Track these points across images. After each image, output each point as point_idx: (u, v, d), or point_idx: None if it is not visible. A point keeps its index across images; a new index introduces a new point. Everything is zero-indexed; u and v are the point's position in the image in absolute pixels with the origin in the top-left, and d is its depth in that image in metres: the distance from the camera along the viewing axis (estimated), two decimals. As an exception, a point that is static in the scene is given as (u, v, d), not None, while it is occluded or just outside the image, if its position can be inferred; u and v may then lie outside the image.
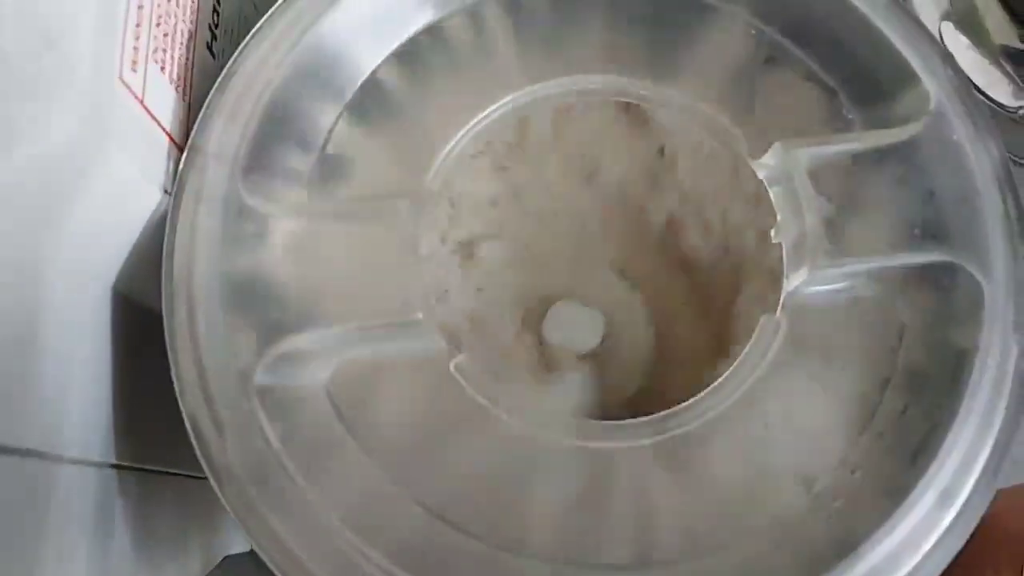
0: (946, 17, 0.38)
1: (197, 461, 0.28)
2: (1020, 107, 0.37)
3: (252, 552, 0.34)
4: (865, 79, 0.25)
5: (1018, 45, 0.38)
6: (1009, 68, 0.38)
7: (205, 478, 0.30)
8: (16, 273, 0.18)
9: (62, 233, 0.20)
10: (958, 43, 0.38)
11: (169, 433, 0.26)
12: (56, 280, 0.20)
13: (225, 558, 0.33)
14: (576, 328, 0.32)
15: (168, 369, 0.22)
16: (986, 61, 0.38)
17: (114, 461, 0.23)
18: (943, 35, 0.38)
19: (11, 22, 0.17)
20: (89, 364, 0.22)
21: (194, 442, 0.22)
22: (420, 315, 0.22)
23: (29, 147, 0.18)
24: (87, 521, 0.21)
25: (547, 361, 0.31)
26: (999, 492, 0.22)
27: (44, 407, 0.19)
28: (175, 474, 0.27)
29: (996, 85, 0.37)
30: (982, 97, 0.37)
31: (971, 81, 0.35)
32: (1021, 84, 0.37)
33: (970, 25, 0.38)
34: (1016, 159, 0.36)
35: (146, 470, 0.25)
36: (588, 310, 0.32)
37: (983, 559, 0.22)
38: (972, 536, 0.21)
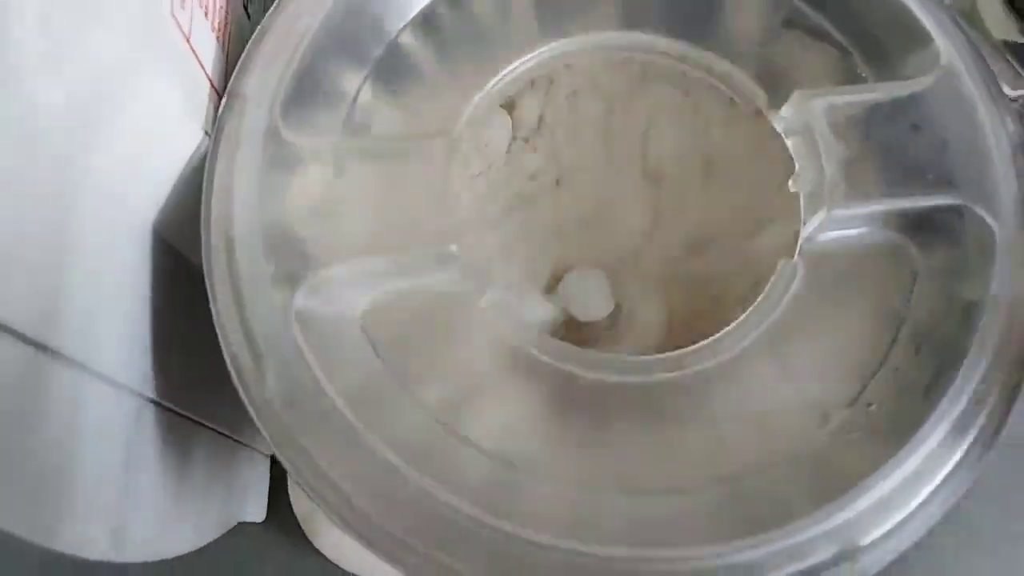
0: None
1: (230, 417, 0.29)
2: (1020, 96, 0.38)
3: (265, 522, 0.35)
4: (878, 38, 0.26)
5: (1018, 39, 0.39)
6: (1010, 60, 0.39)
7: (234, 439, 0.30)
8: (56, 191, 0.19)
9: (105, 158, 0.20)
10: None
11: (207, 381, 0.26)
12: (95, 204, 0.20)
13: (239, 524, 0.33)
14: (589, 296, 0.33)
15: (208, 314, 0.22)
16: (987, 52, 0.39)
17: (152, 396, 0.24)
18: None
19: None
20: (124, 293, 0.22)
21: (234, 375, 0.22)
22: (454, 247, 0.22)
23: (80, 66, 0.18)
24: (120, 446, 0.21)
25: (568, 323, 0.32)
26: None
27: (78, 316, 0.19)
28: (209, 427, 0.28)
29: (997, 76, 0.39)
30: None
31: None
32: (1022, 74, 0.38)
33: (970, 19, 0.39)
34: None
35: (181, 415, 0.26)
36: (599, 280, 0.33)
37: None
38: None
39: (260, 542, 0.35)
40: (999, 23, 0.39)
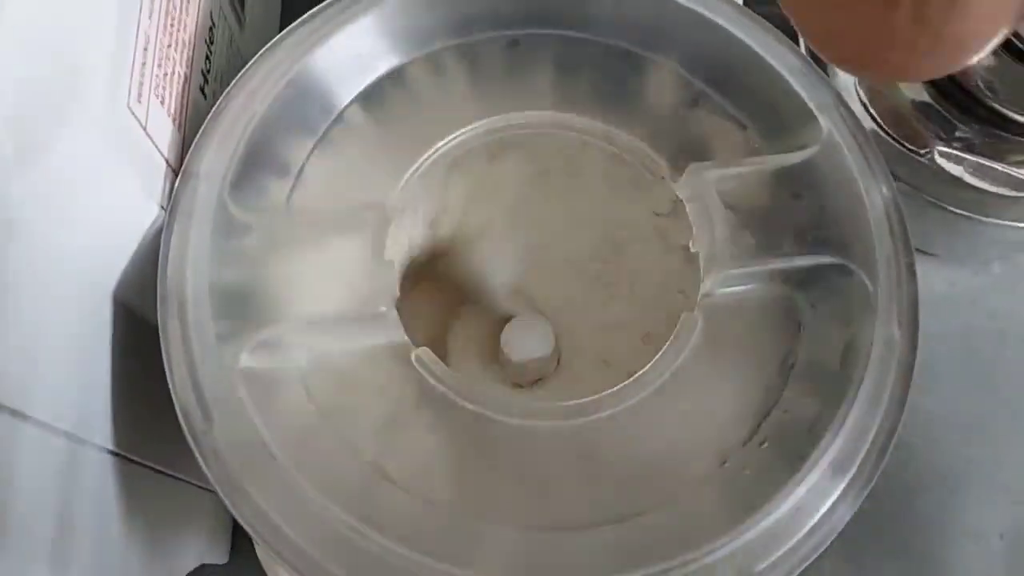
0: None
1: (189, 464, 0.31)
2: (926, 151, 0.41)
3: (228, 564, 0.36)
4: (770, 116, 0.29)
5: (925, 99, 0.42)
6: (918, 118, 0.42)
7: (194, 484, 0.32)
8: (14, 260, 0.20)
9: (66, 235, 0.22)
10: (874, 95, 0.42)
11: (165, 431, 0.28)
12: (53, 274, 0.22)
13: (201, 566, 0.35)
14: (528, 341, 0.36)
15: (163, 369, 0.25)
16: (899, 112, 0.42)
17: (105, 445, 0.25)
18: (859, 90, 0.42)
19: (39, 50, 0.20)
20: (73, 349, 0.24)
21: (184, 427, 0.24)
22: (384, 308, 0.25)
23: (46, 163, 0.21)
24: (57, 489, 0.22)
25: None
26: None
27: (15, 366, 0.20)
28: (167, 473, 0.30)
29: (906, 133, 0.42)
30: (895, 142, 0.41)
31: (879, 124, 0.40)
32: (928, 132, 0.41)
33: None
34: (928, 198, 0.41)
35: (137, 463, 0.28)
36: (538, 325, 0.36)
37: None
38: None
39: (222, 584, 0.37)
40: (910, 84, 0.42)
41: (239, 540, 0.37)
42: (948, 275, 0.45)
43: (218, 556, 0.37)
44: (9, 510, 0.20)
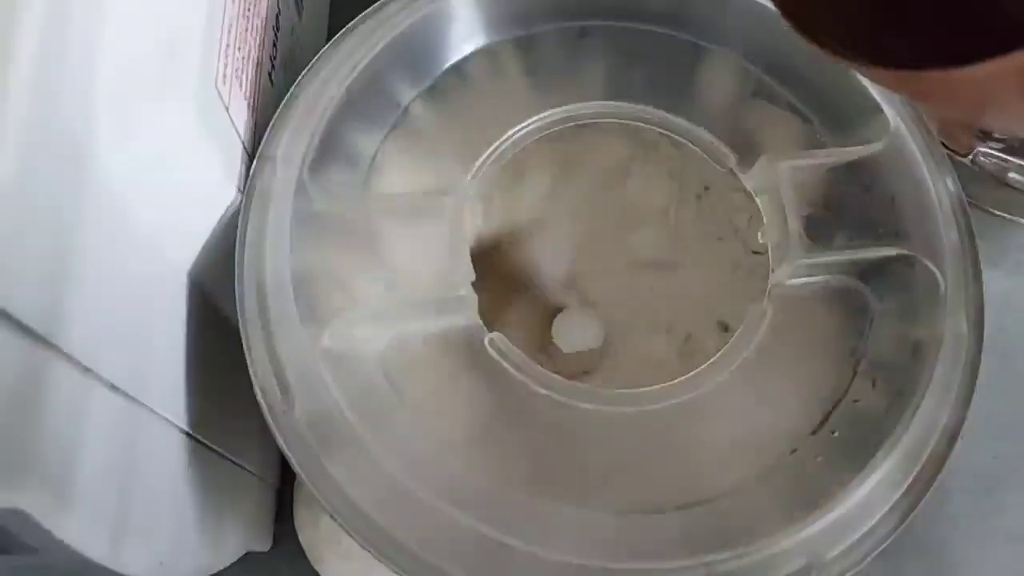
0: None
1: (240, 446, 0.31)
2: (967, 153, 0.41)
3: (271, 551, 0.37)
4: (835, 108, 0.30)
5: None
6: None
7: (242, 467, 0.32)
8: (102, 234, 0.20)
9: (151, 213, 0.22)
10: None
11: (222, 410, 0.28)
12: (134, 249, 0.22)
13: (247, 553, 0.35)
14: (579, 333, 0.36)
15: (230, 352, 0.25)
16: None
17: (166, 415, 0.25)
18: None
19: (140, 28, 0.20)
20: (148, 320, 0.24)
21: (264, 407, 0.25)
22: (463, 292, 0.25)
23: (142, 137, 0.21)
24: (121, 454, 0.22)
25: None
26: None
27: (88, 323, 0.20)
28: (219, 453, 0.30)
29: (947, 133, 0.42)
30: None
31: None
32: (969, 133, 0.42)
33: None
34: (968, 200, 0.41)
35: (193, 438, 0.28)
36: (589, 318, 0.36)
37: None
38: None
39: (266, 571, 0.37)
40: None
41: (281, 525, 0.37)
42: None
43: (261, 543, 0.37)
44: (78, 468, 0.19)
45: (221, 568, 0.31)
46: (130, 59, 0.20)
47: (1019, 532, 0.39)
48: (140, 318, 0.23)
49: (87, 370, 0.20)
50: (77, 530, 0.19)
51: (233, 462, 0.31)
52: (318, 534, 0.34)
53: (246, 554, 0.34)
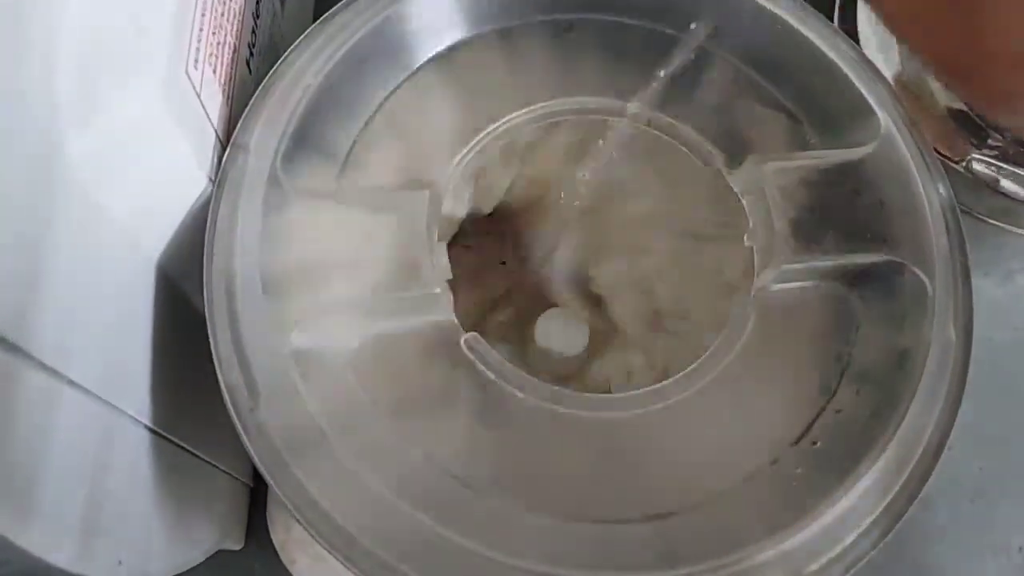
0: (898, 78, 0.42)
1: (213, 444, 0.30)
2: (961, 160, 0.41)
3: (243, 550, 0.36)
4: (824, 109, 0.29)
5: (960, 106, 0.42)
6: (953, 126, 0.42)
7: (215, 466, 0.31)
8: (69, 222, 0.20)
9: (119, 200, 0.22)
10: (910, 99, 0.42)
11: (193, 409, 0.28)
12: (103, 238, 0.21)
13: (220, 551, 0.34)
14: (561, 336, 0.35)
15: (199, 346, 0.24)
16: (935, 118, 0.42)
17: (136, 416, 0.24)
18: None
19: (111, 4, 0.20)
20: (113, 315, 0.23)
21: (229, 404, 0.24)
22: (438, 290, 0.24)
23: (107, 119, 0.20)
24: (91, 457, 0.22)
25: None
26: None
27: (57, 326, 0.19)
28: (191, 452, 0.29)
29: (941, 139, 0.42)
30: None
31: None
32: (963, 140, 0.41)
33: (918, 86, 0.42)
34: (961, 207, 0.40)
35: (165, 438, 0.27)
36: (573, 322, 0.35)
37: None
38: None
39: (238, 569, 0.36)
40: (944, 91, 0.42)
41: (254, 524, 0.37)
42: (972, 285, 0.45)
43: (234, 541, 0.36)
44: (45, 473, 0.19)
45: (193, 566, 0.30)
46: (96, 31, 0.19)
47: (1005, 544, 0.39)
48: (109, 313, 0.23)
49: (54, 372, 0.19)
50: (39, 537, 0.18)
51: (206, 461, 0.30)
52: (290, 535, 0.33)
53: (218, 552, 0.34)
